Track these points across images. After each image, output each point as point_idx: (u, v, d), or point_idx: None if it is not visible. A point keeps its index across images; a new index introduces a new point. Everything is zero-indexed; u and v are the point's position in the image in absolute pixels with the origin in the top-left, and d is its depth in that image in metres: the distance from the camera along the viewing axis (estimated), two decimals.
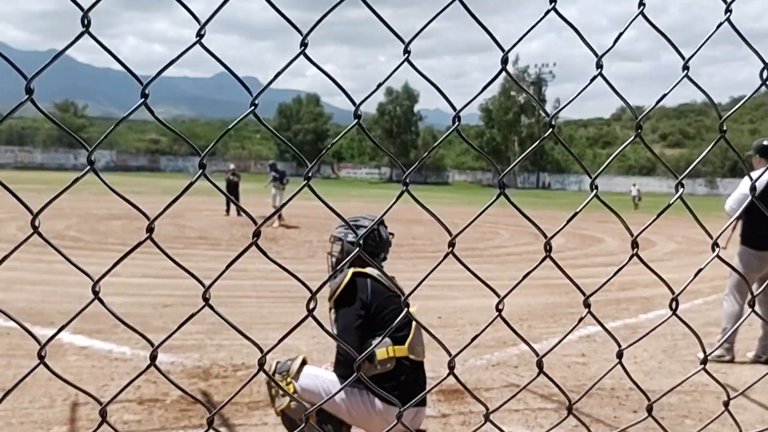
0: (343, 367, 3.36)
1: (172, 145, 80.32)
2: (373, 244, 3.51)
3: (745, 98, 1.48)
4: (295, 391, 3.31)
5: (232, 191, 21.53)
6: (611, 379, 5.54)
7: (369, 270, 3.40)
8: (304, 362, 3.45)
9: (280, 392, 3.38)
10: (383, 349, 3.23)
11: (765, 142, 6.39)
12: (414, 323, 3.27)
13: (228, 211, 21.19)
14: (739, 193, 6.25)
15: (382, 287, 3.35)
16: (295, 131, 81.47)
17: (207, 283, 1.13)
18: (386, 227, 3.64)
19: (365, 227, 3.46)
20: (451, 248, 1.18)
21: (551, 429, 1.60)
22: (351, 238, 3.54)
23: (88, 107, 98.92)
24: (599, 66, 1.25)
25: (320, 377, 3.39)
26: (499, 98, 79.76)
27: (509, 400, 1.52)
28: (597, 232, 19.44)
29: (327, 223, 19.47)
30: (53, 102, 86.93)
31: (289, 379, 3.38)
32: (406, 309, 1.31)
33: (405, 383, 3.23)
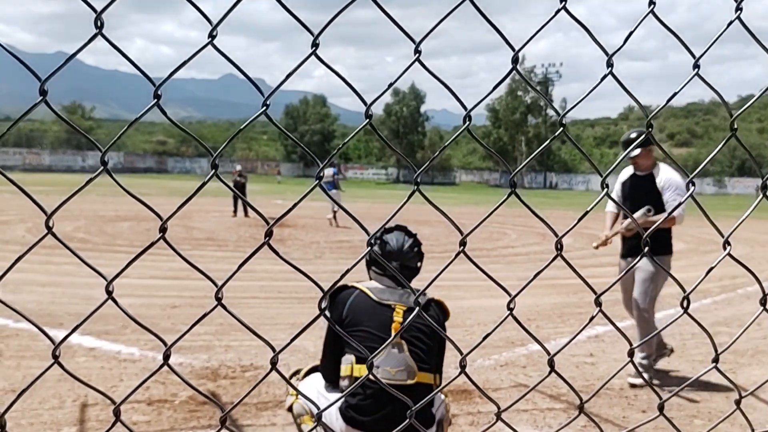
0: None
1: (180, 146, 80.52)
2: (377, 251, 3.27)
3: (756, 96, 1.47)
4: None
5: (239, 192, 21.56)
6: (620, 379, 5.52)
7: (363, 283, 3.27)
8: (314, 369, 3.49)
9: (289, 391, 3.47)
10: (346, 365, 3.10)
11: (633, 135, 5.83)
12: (394, 342, 3.06)
13: (235, 212, 21.23)
14: (683, 192, 5.57)
15: (370, 302, 3.17)
16: (302, 132, 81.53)
17: (218, 283, 1.13)
18: (407, 234, 3.39)
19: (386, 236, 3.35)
20: (462, 247, 1.18)
21: (560, 429, 1.60)
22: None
23: (96, 109, 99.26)
24: (610, 65, 1.24)
25: (311, 384, 3.39)
26: (506, 98, 79.68)
27: (520, 399, 1.52)
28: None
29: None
30: (61, 104, 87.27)
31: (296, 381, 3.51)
32: (417, 308, 1.31)
33: (369, 406, 3.05)
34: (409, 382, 3.04)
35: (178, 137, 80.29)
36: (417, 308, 1.32)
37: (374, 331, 3.08)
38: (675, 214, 5.34)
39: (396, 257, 3.25)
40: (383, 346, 2.85)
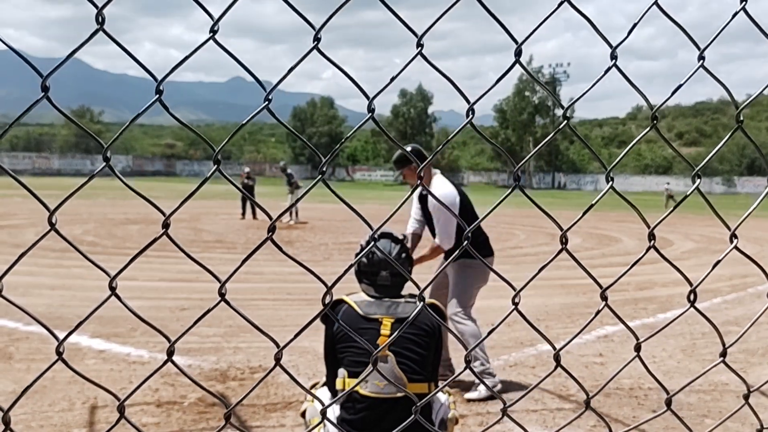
0: None
1: (188, 149, 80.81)
2: (364, 262, 3.31)
3: (762, 88, 1.46)
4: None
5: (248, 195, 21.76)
6: (629, 378, 5.50)
7: (352, 297, 3.25)
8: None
9: (306, 398, 3.45)
10: (339, 379, 3.12)
11: (408, 149, 5.36)
12: (382, 355, 3.04)
13: (243, 214, 21.28)
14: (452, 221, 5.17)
15: (356, 317, 3.15)
16: (309, 134, 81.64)
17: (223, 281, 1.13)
18: (393, 241, 3.40)
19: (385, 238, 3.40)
20: (466, 242, 1.17)
21: (567, 425, 1.59)
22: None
23: (105, 113, 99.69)
24: (614, 57, 1.24)
25: (324, 393, 3.38)
26: (514, 99, 79.63)
27: (526, 394, 1.51)
28: (614, 231, 19.32)
29: (342, 225, 19.52)
30: (69, 108, 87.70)
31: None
32: (421, 303, 1.31)
33: (362, 422, 3.06)
34: (399, 394, 3.01)
35: (186, 140, 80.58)
36: (420, 305, 1.31)
37: (363, 346, 3.07)
38: (436, 243, 5.29)
39: (385, 266, 3.24)
40: (366, 371, 2.75)
